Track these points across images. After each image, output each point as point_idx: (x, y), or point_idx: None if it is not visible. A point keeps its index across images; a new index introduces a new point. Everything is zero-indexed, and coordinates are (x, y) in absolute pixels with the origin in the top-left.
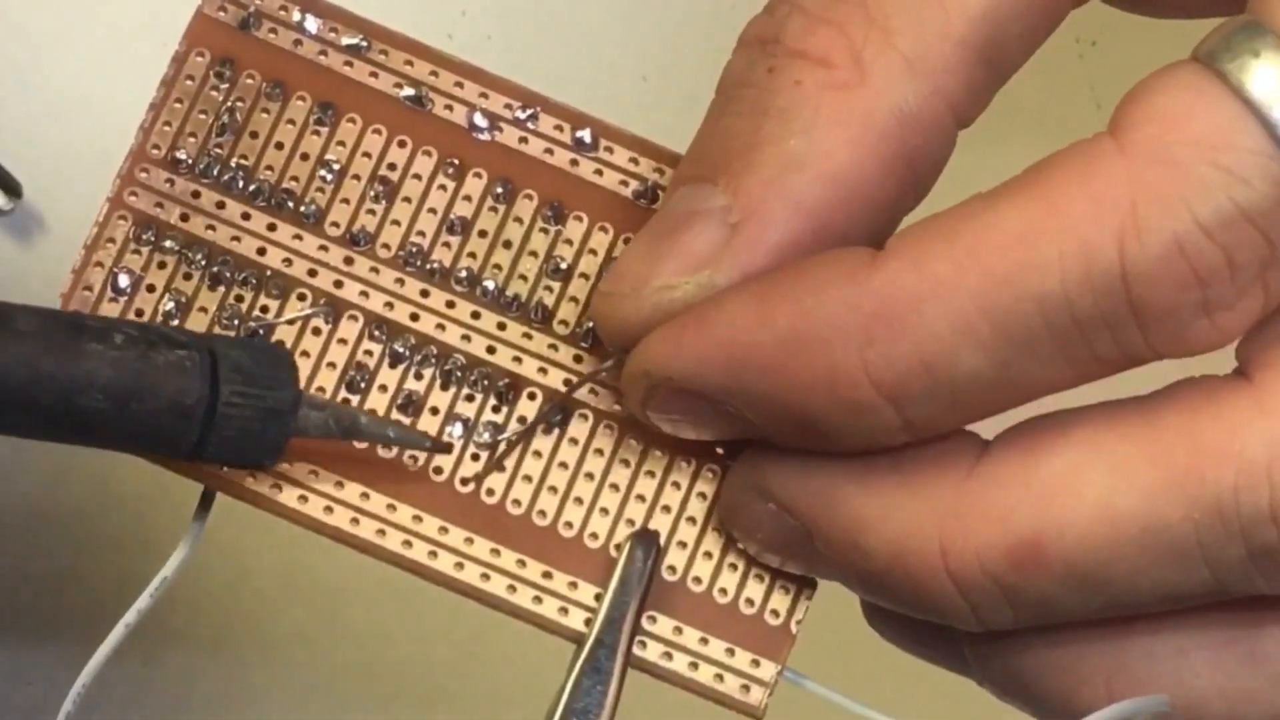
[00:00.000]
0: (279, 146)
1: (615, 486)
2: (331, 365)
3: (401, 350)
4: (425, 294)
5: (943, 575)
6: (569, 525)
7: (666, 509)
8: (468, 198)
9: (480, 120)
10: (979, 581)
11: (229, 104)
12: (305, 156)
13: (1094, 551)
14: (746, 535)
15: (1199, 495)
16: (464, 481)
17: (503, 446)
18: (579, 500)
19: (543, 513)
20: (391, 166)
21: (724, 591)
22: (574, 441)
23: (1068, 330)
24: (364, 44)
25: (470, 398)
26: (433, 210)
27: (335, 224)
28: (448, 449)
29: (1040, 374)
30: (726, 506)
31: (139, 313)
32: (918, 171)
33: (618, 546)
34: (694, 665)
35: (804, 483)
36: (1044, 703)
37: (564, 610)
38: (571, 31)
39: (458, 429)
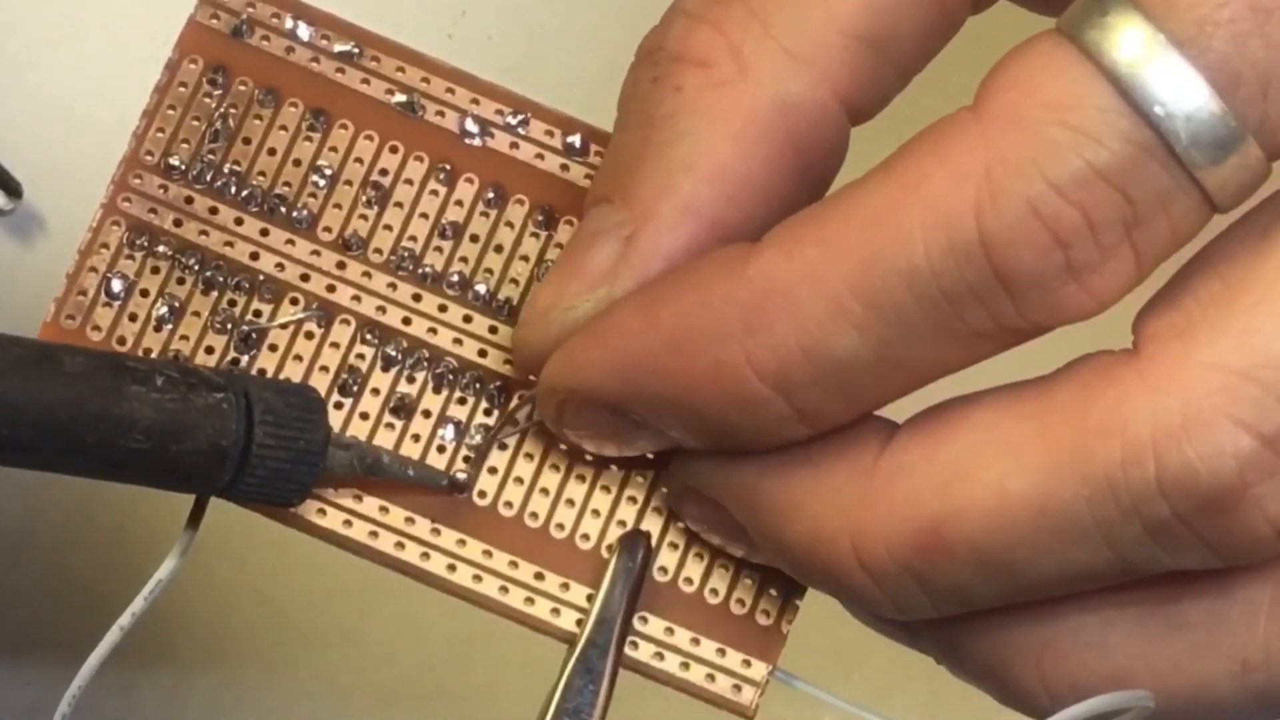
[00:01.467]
0: (271, 152)
1: (606, 488)
2: (324, 369)
3: (394, 354)
4: (417, 298)
5: (855, 566)
6: (560, 527)
7: (658, 510)
8: (459, 203)
9: (471, 126)
10: (890, 570)
11: (222, 110)
12: (298, 162)
13: (994, 535)
14: (695, 525)
15: (1089, 473)
16: None
17: (489, 452)
18: (570, 502)
19: (535, 514)
20: (383, 172)
21: (715, 592)
22: (565, 444)
23: (937, 303)
24: (356, 51)
25: (462, 401)
26: (424, 215)
27: (328, 229)
28: (464, 489)
29: (922, 352)
30: (669, 499)
31: (132, 316)
32: (808, 161)
33: (609, 548)
34: (685, 665)
35: (728, 479)
36: (979, 675)
37: (556, 611)
38: (571, 32)
39: (450, 432)
